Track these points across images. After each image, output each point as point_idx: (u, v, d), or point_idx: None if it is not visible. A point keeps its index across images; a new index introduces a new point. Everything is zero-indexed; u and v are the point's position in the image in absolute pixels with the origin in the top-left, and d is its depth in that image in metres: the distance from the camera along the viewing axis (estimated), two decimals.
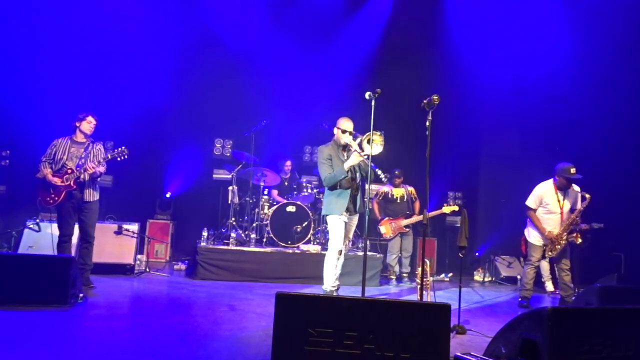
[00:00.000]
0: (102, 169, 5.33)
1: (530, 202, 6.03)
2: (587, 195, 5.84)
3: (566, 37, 8.32)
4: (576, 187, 5.97)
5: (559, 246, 5.89)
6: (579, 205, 5.92)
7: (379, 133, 4.74)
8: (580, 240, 6.05)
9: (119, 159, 5.39)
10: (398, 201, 7.68)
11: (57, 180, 5.20)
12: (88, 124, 5.38)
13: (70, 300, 4.42)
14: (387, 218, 7.59)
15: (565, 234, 5.89)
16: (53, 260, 4.63)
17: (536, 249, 6.02)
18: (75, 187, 5.25)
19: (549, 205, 5.93)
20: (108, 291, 5.35)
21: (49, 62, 7.73)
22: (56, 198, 5.23)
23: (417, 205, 7.78)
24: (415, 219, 7.49)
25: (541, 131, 8.79)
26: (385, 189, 7.73)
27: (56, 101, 7.51)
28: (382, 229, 7.56)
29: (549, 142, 8.52)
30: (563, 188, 5.92)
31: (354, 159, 4.89)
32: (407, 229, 7.57)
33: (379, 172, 4.80)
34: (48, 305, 4.30)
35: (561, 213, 5.92)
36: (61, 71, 7.76)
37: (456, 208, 7.22)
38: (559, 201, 5.92)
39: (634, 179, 7.78)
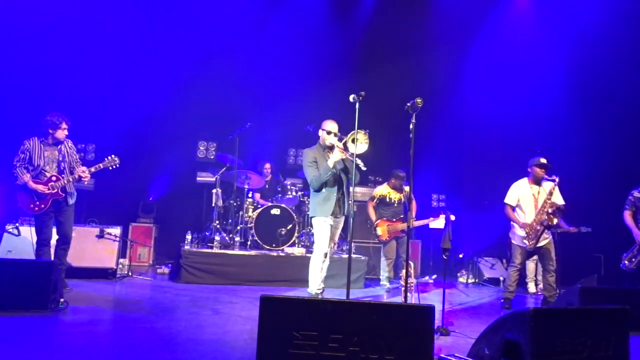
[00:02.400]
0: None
1: (510, 199, 6.02)
2: (554, 177, 5.75)
3: (552, 37, 8.43)
4: (549, 178, 5.88)
5: (540, 236, 5.74)
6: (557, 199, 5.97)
7: (363, 131, 4.79)
8: (556, 221, 5.81)
9: (110, 168, 5.31)
10: (395, 205, 7.18)
11: (42, 188, 5.07)
12: (62, 132, 5.22)
13: (51, 305, 4.34)
14: (384, 219, 7.16)
15: (539, 219, 5.77)
16: (33, 265, 4.55)
17: (520, 251, 5.97)
18: (62, 194, 5.18)
19: (525, 200, 5.95)
20: (90, 296, 5.27)
21: (26, 63, 7.59)
22: (42, 206, 5.10)
23: (413, 205, 7.17)
24: (414, 223, 7.06)
25: (524, 134, 8.90)
26: (383, 191, 7.23)
27: (33, 103, 7.38)
28: (379, 230, 7.12)
29: (531, 145, 8.62)
30: (537, 180, 5.96)
31: (337, 155, 4.93)
32: (404, 234, 7.00)
33: (359, 162, 4.71)
34: (28, 310, 4.22)
35: (536, 206, 5.92)
36: (39, 72, 7.64)
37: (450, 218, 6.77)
38: (533, 195, 5.96)
39: (614, 183, 7.89)
